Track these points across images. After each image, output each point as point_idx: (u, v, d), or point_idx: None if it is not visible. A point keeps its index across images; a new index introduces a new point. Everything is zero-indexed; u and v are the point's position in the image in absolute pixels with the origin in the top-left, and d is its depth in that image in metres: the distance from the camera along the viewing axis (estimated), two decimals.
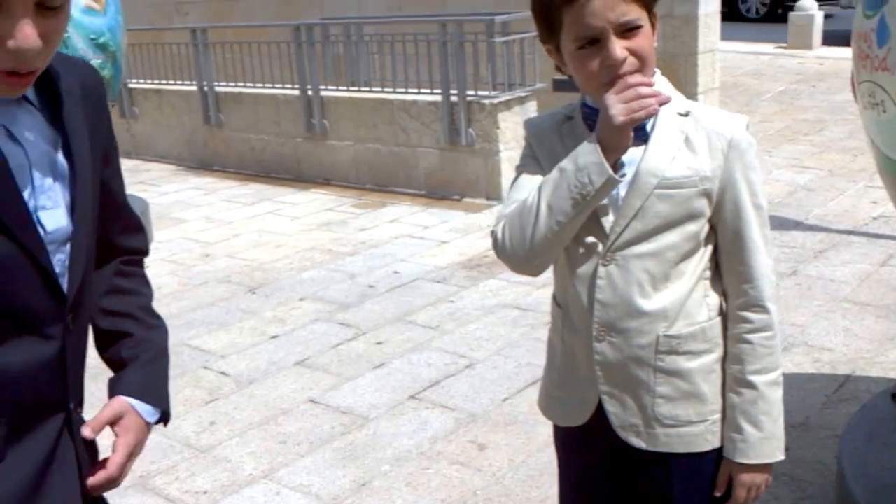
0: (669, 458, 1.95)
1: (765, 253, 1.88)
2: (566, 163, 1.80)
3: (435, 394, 4.44)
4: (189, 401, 4.51)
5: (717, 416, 1.94)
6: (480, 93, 8.11)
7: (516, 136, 7.99)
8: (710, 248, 1.90)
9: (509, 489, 3.62)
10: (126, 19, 6.73)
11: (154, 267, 6.30)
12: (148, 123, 11.12)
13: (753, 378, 1.90)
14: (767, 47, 14.18)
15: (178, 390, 4.55)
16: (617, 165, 1.78)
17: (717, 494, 1.98)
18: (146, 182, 9.65)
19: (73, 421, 1.56)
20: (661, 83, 1.84)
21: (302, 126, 9.34)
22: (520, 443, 3.94)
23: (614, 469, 2.04)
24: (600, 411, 1.96)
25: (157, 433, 3.73)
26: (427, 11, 10.07)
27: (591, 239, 1.87)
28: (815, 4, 14.14)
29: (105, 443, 1.61)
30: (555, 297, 2.05)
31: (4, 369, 1.42)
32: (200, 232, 7.74)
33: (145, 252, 1.89)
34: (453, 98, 8.12)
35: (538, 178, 1.90)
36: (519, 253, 1.88)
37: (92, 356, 1.67)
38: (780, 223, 6.63)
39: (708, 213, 1.86)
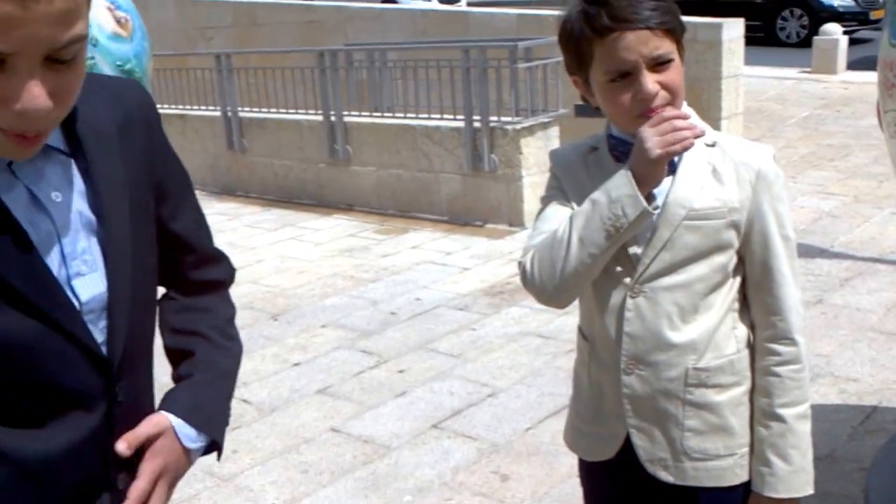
0: (698, 492, 1.93)
1: (793, 284, 1.87)
2: (598, 195, 1.79)
3: (457, 423, 4.41)
4: None
5: (746, 450, 1.92)
6: (503, 118, 8.12)
7: (539, 162, 7.98)
8: (738, 279, 1.89)
9: None
10: (151, 44, 6.78)
11: None
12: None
13: (782, 411, 1.88)
14: (791, 72, 14.12)
15: None
16: (649, 198, 1.77)
17: None
18: None
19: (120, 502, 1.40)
20: (692, 116, 1.83)
21: (325, 152, 9.37)
22: (543, 474, 3.90)
23: (641, 503, 2.01)
24: (628, 445, 1.95)
25: None
26: (450, 37, 10.13)
27: (618, 270, 1.86)
28: (840, 29, 14.10)
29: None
30: (581, 330, 2.04)
31: (44, 456, 1.31)
32: None
33: (224, 283, 1.71)
34: (476, 124, 8.13)
35: (565, 209, 1.89)
36: (549, 285, 1.86)
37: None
38: (805, 251, 6.57)
39: (736, 244, 1.85)
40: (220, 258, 1.70)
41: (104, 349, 1.36)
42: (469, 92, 8.12)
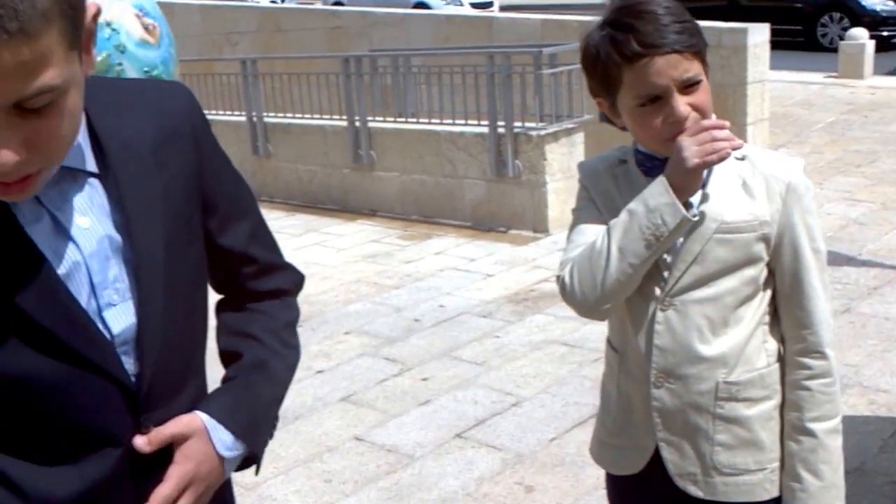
0: None
1: (824, 298, 1.86)
2: (635, 205, 1.78)
3: (481, 433, 4.38)
4: None
5: (776, 465, 1.91)
6: (528, 124, 8.09)
7: (563, 168, 7.95)
8: (768, 292, 1.88)
9: None
10: (177, 50, 6.80)
11: None
12: None
13: (812, 426, 1.86)
14: (817, 76, 14.01)
15: None
16: (687, 206, 1.76)
17: None
18: None
19: None
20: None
21: (349, 157, 9.37)
22: (568, 485, 3.87)
23: None
24: (656, 459, 1.94)
25: None
26: (474, 43, 10.10)
27: (649, 283, 1.85)
28: (867, 33, 13.97)
29: None
30: (610, 342, 2.03)
31: (77, 495, 1.26)
32: None
33: (289, 291, 1.61)
34: (500, 129, 8.10)
35: (597, 221, 1.89)
36: (590, 298, 1.85)
37: None
38: (832, 259, 6.50)
39: (766, 257, 1.84)
40: (284, 267, 1.61)
41: (133, 380, 1.29)
42: (493, 97, 8.10)
